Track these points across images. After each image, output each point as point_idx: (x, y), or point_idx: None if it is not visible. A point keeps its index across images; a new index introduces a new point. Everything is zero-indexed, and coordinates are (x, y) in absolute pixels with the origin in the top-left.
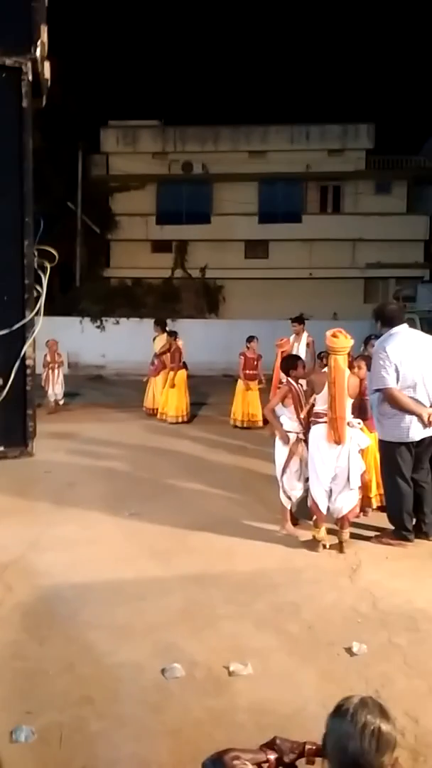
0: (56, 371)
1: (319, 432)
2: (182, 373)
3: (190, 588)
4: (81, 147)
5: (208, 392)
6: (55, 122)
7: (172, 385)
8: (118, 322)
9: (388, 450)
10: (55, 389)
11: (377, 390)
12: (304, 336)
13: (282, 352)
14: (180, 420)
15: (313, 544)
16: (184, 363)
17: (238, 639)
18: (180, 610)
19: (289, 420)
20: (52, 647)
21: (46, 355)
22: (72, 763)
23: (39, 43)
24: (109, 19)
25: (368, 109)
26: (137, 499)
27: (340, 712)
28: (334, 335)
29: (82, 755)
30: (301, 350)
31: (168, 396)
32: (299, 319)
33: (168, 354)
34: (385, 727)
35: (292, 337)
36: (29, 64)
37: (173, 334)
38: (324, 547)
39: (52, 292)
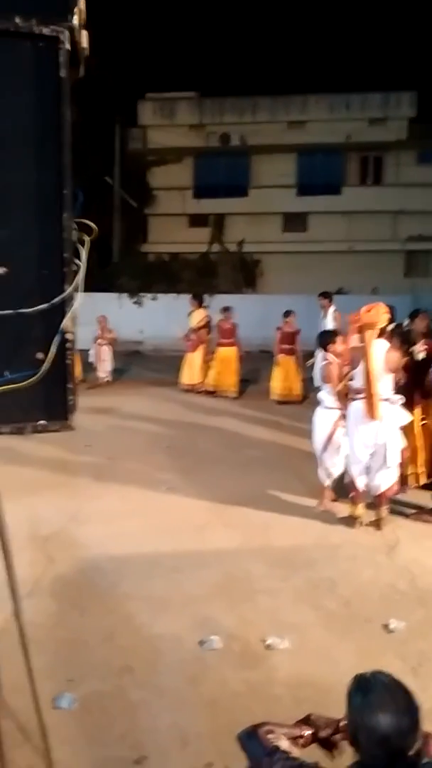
0: (104, 347)
1: (357, 408)
2: (234, 349)
3: (227, 562)
4: (118, 121)
5: (245, 368)
6: (92, 96)
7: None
8: (155, 298)
9: None
10: (103, 366)
11: None
12: (331, 309)
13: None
14: (232, 395)
15: (350, 521)
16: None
17: (275, 613)
18: (217, 583)
19: (329, 396)
20: (93, 617)
21: (97, 331)
22: (112, 731)
23: (76, 10)
24: None
25: (410, 76)
26: (175, 473)
27: (364, 697)
28: (368, 309)
29: (122, 723)
30: (329, 325)
31: (222, 370)
32: (325, 294)
33: (205, 329)
34: (413, 702)
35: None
36: (66, 33)
37: (227, 309)
38: (361, 524)
39: (91, 267)
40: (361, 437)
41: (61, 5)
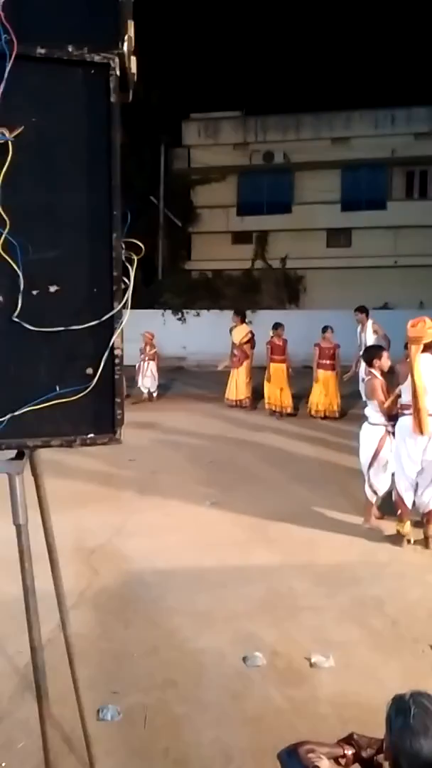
0: (146, 363)
1: (404, 424)
2: (285, 365)
3: (270, 578)
4: (163, 141)
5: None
6: (138, 118)
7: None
8: (198, 314)
9: None
10: (144, 381)
11: None
12: (369, 323)
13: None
14: (287, 412)
15: (397, 539)
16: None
17: (320, 631)
18: (261, 599)
19: (375, 412)
20: (137, 630)
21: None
22: (156, 744)
23: (126, 38)
24: (188, 12)
25: None
26: (218, 488)
27: (404, 721)
28: (413, 324)
29: (165, 737)
30: (369, 339)
31: (282, 388)
32: (362, 308)
33: (248, 344)
34: None
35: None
36: (117, 60)
37: (279, 326)
38: (409, 542)
39: (136, 285)
40: (409, 453)
41: (112, 34)
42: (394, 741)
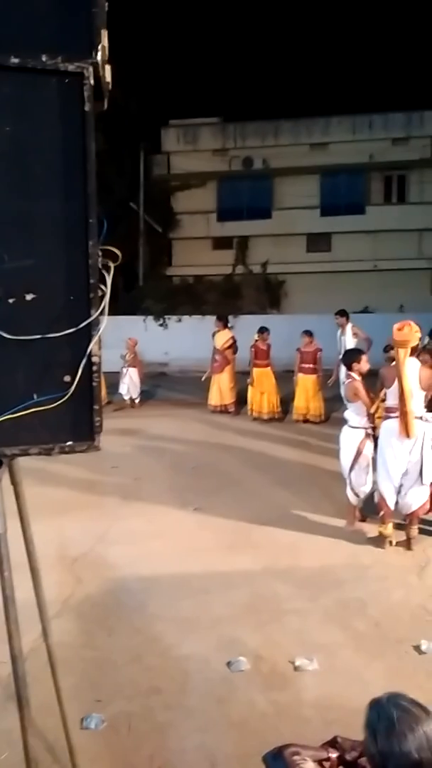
0: (126, 370)
1: (390, 427)
2: (269, 370)
3: (254, 582)
4: (142, 147)
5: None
6: (117, 124)
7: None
8: (180, 320)
9: None
10: (125, 388)
11: None
12: (349, 327)
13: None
14: (276, 417)
15: (379, 541)
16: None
17: (304, 634)
18: (245, 604)
19: (355, 415)
20: (121, 638)
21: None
22: (140, 752)
23: (100, 47)
24: (166, 19)
25: None
26: (201, 493)
27: (389, 725)
28: (399, 328)
29: (150, 744)
30: (349, 342)
31: (264, 393)
32: (342, 312)
33: (230, 349)
34: None
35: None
36: (91, 69)
37: (264, 330)
38: (391, 543)
39: (116, 291)
40: (395, 455)
41: (85, 43)
42: (382, 746)
